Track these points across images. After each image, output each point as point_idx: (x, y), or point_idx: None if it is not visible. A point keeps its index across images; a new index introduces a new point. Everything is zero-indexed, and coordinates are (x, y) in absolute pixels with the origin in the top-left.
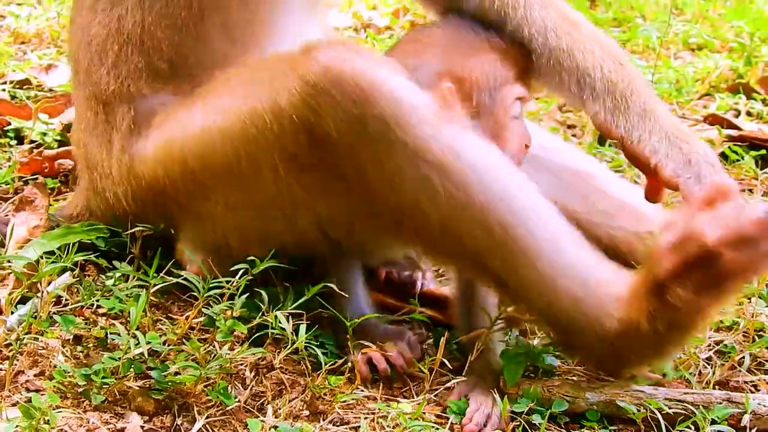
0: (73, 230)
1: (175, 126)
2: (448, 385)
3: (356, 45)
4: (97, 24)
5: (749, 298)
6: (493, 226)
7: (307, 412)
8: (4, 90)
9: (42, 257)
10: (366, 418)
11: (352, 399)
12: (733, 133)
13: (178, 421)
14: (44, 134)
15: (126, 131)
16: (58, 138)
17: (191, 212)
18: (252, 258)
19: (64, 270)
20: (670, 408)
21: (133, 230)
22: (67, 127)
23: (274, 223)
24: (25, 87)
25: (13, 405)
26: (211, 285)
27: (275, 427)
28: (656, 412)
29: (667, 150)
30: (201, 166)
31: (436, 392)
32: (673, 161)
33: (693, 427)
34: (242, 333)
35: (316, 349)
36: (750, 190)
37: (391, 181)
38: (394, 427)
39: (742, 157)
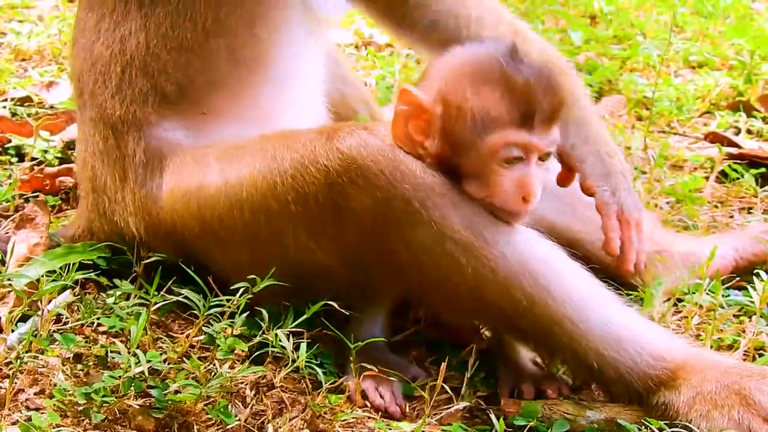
0: (74, 250)
1: (191, 180)
2: (447, 406)
3: (376, 128)
4: (101, 45)
5: (750, 317)
6: (519, 296)
7: (307, 431)
8: (5, 107)
9: (43, 276)
10: None
11: (352, 418)
12: (734, 150)
13: None
14: (45, 152)
15: (140, 165)
16: (59, 155)
17: (206, 256)
18: (252, 276)
19: (64, 288)
20: (670, 427)
21: (147, 260)
22: (68, 145)
23: (293, 278)
24: (26, 104)
25: (13, 424)
26: (211, 303)
27: None
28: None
29: (594, 160)
30: (219, 226)
31: (436, 413)
32: (595, 171)
33: None
34: (243, 351)
35: (317, 368)
36: (749, 209)
37: (419, 256)
38: None
39: (742, 175)
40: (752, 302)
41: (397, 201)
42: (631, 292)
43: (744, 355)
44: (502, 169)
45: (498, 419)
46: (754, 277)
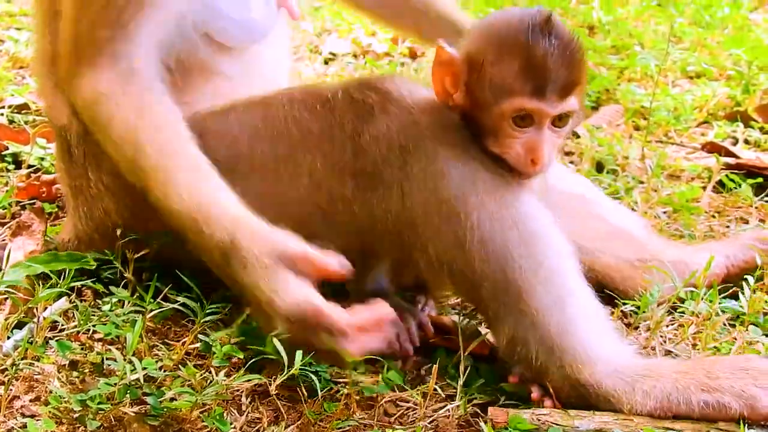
0: (59, 258)
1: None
2: (442, 412)
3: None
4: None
5: (746, 327)
6: (497, 256)
7: None
8: (2, 114)
9: (38, 283)
10: None
11: (348, 426)
12: (731, 161)
13: None
14: (42, 159)
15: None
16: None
17: None
18: None
19: (60, 295)
20: None
21: (138, 255)
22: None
23: (298, 221)
24: (23, 111)
25: (9, 431)
26: (207, 311)
27: None
28: None
29: None
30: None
31: (431, 418)
32: None
33: None
34: (239, 358)
35: (312, 375)
36: (747, 219)
37: (418, 191)
38: None
39: (739, 185)
40: (742, 307)
41: (413, 129)
42: (627, 301)
43: None
44: (515, 132)
45: (489, 427)
46: (743, 283)
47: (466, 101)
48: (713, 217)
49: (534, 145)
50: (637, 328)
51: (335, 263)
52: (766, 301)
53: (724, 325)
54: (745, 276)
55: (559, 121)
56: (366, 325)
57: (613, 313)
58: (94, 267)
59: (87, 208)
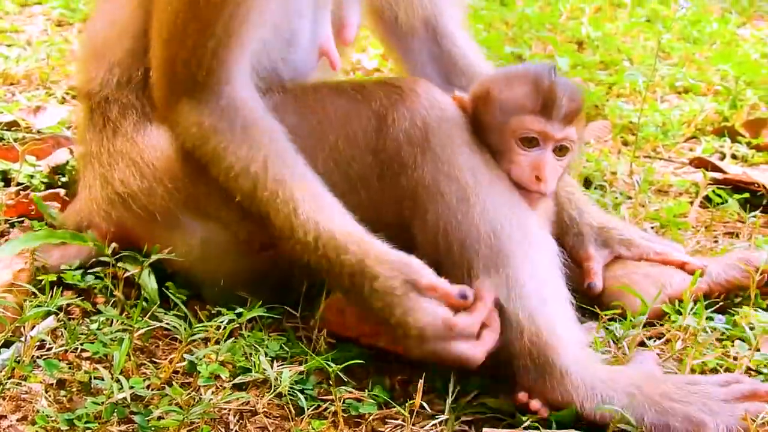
0: (56, 234)
1: None
2: (430, 428)
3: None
4: None
5: (732, 342)
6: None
7: None
8: None
9: (26, 300)
10: None
11: None
12: (718, 176)
13: None
14: (31, 176)
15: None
16: (45, 180)
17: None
18: (240, 311)
19: (47, 314)
20: None
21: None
22: (55, 170)
23: None
24: (13, 129)
25: None
26: (195, 329)
27: None
28: None
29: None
30: None
31: None
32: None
33: None
34: (227, 377)
35: (299, 393)
36: (734, 234)
37: (425, 181)
38: None
39: (727, 201)
40: (735, 327)
41: (425, 128)
42: (608, 312)
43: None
44: (521, 150)
45: None
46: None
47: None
48: (700, 232)
49: (539, 163)
50: (617, 341)
51: (460, 294)
52: (754, 318)
53: (713, 343)
54: (728, 296)
55: (560, 151)
56: (486, 321)
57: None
58: (91, 246)
59: (97, 180)
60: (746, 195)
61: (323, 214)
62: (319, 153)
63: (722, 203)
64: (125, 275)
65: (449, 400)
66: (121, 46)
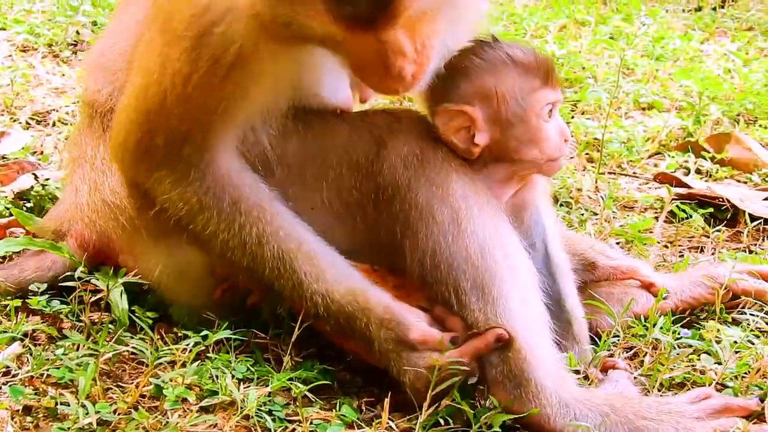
0: (34, 242)
1: None
2: None
3: None
4: None
5: (698, 355)
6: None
7: None
8: None
9: None
10: None
11: None
12: (683, 191)
13: None
14: None
15: None
16: (10, 206)
17: None
18: (206, 333)
19: (12, 340)
20: None
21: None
22: (19, 195)
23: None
24: None
25: None
26: (161, 353)
27: None
28: None
29: None
30: None
31: None
32: None
33: None
34: (194, 400)
35: (266, 415)
36: (702, 248)
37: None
38: None
39: (691, 215)
40: (702, 342)
41: (422, 154)
42: None
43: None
44: (546, 123)
45: None
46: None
47: (493, 133)
48: (666, 247)
49: (560, 127)
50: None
51: (451, 341)
52: (718, 330)
53: (681, 358)
54: (694, 312)
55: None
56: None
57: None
58: (67, 257)
59: (85, 184)
60: (710, 210)
61: (326, 283)
62: (324, 180)
63: (687, 218)
64: (91, 299)
65: (421, 418)
66: (120, 65)
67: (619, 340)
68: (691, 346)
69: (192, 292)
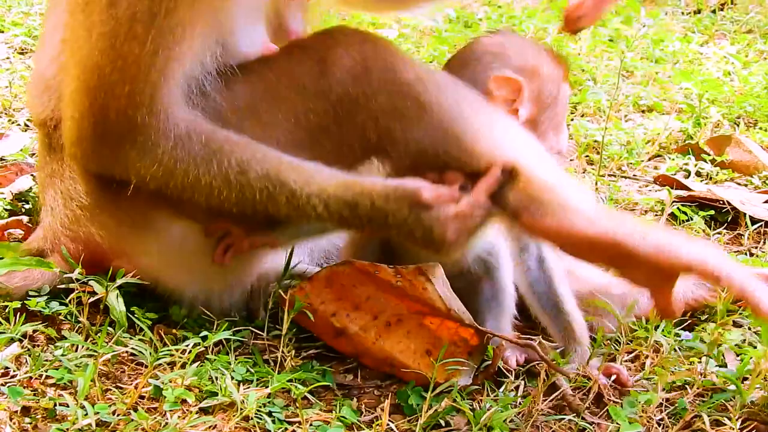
0: (20, 262)
1: None
2: None
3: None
4: None
5: (700, 358)
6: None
7: None
8: None
9: None
10: None
11: None
12: (683, 193)
13: None
14: None
15: None
16: (9, 207)
17: None
18: (205, 334)
19: (11, 341)
20: None
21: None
22: (18, 197)
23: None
24: None
25: None
26: (160, 353)
27: None
28: None
29: None
30: None
31: None
32: None
33: None
34: (194, 401)
35: (266, 416)
36: None
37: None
38: None
39: (692, 218)
40: (703, 343)
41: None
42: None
43: (696, 396)
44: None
45: None
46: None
47: (532, 109)
48: None
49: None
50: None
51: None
52: (720, 334)
53: (685, 357)
54: (694, 313)
55: None
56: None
57: None
58: (55, 272)
59: (59, 198)
60: (711, 212)
61: (315, 185)
62: (279, 113)
63: (687, 220)
64: (90, 300)
65: (422, 420)
66: (62, 77)
67: (620, 344)
68: (692, 348)
69: (195, 267)
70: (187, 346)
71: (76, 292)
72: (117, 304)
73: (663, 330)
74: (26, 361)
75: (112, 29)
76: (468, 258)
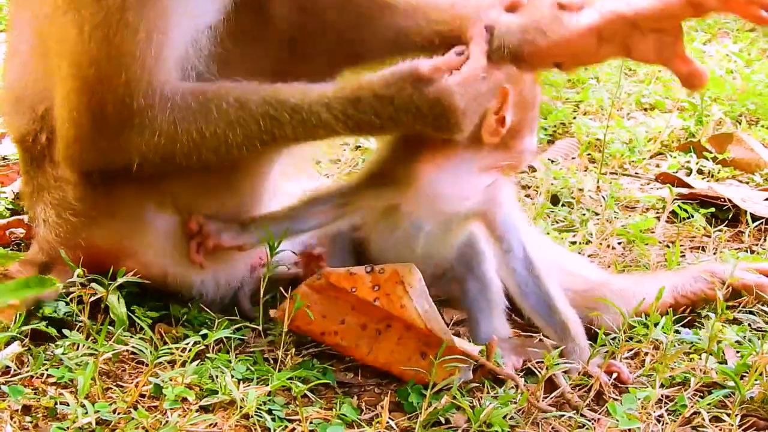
0: (21, 283)
1: None
2: None
3: None
4: None
5: (699, 354)
6: None
7: None
8: None
9: None
10: None
11: None
12: (684, 191)
13: None
14: None
15: None
16: (10, 207)
17: None
18: (205, 332)
19: (12, 339)
20: None
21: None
22: (19, 196)
23: None
24: None
25: None
26: (161, 352)
27: None
28: None
29: None
30: None
31: None
32: None
33: None
34: (194, 399)
35: (266, 414)
36: (703, 248)
37: None
38: None
39: (693, 215)
40: (702, 339)
41: None
42: None
43: (695, 393)
44: None
45: None
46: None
47: (515, 115)
48: (667, 247)
49: None
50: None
51: (457, 54)
52: (720, 331)
53: (684, 354)
54: (694, 308)
55: None
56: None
57: None
58: (59, 290)
59: (50, 210)
60: (712, 210)
61: (314, 93)
62: (245, 70)
63: (689, 218)
64: (91, 299)
65: (422, 417)
66: (37, 87)
67: (619, 340)
68: (692, 344)
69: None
70: (187, 344)
71: (77, 291)
72: (117, 303)
73: (663, 327)
74: (27, 360)
75: (103, 20)
76: (448, 256)
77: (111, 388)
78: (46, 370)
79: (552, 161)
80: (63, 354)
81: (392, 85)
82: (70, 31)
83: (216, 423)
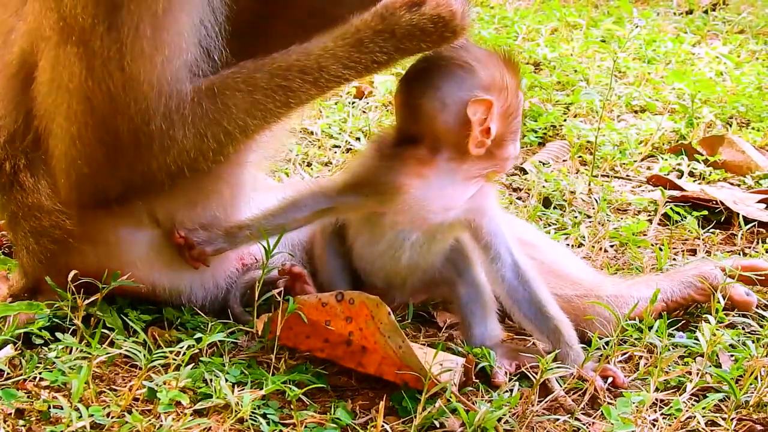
0: (10, 308)
1: None
2: None
3: None
4: None
5: (694, 358)
6: None
7: None
8: None
9: None
10: None
11: None
12: (676, 193)
13: None
14: None
15: None
16: None
17: None
18: (199, 336)
19: (5, 343)
20: None
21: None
22: None
23: None
24: None
25: None
26: (154, 356)
27: None
28: None
29: None
30: None
31: None
32: None
33: None
34: (188, 403)
35: (260, 418)
36: (695, 250)
37: None
38: None
39: (685, 218)
40: (697, 343)
41: None
42: None
43: (690, 397)
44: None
45: None
46: (703, 322)
47: (500, 125)
48: (660, 249)
49: None
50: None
51: None
52: (713, 334)
53: (679, 358)
54: (685, 311)
55: None
56: None
57: None
58: (47, 315)
59: (30, 237)
60: (704, 212)
61: (316, 49)
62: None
63: (681, 220)
64: (85, 303)
65: (416, 421)
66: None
67: (612, 344)
68: (686, 347)
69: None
70: (181, 348)
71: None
72: (110, 311)
73: (656, 331)
74: (20, 363)
75: (117, 52)
76: (435, 264)
77: (104, 392)
78: (39, 373)
79: (543, 164)
80: (56, 357)
81: (387, 17)
82: (74, 66)
83: (210, 427)
